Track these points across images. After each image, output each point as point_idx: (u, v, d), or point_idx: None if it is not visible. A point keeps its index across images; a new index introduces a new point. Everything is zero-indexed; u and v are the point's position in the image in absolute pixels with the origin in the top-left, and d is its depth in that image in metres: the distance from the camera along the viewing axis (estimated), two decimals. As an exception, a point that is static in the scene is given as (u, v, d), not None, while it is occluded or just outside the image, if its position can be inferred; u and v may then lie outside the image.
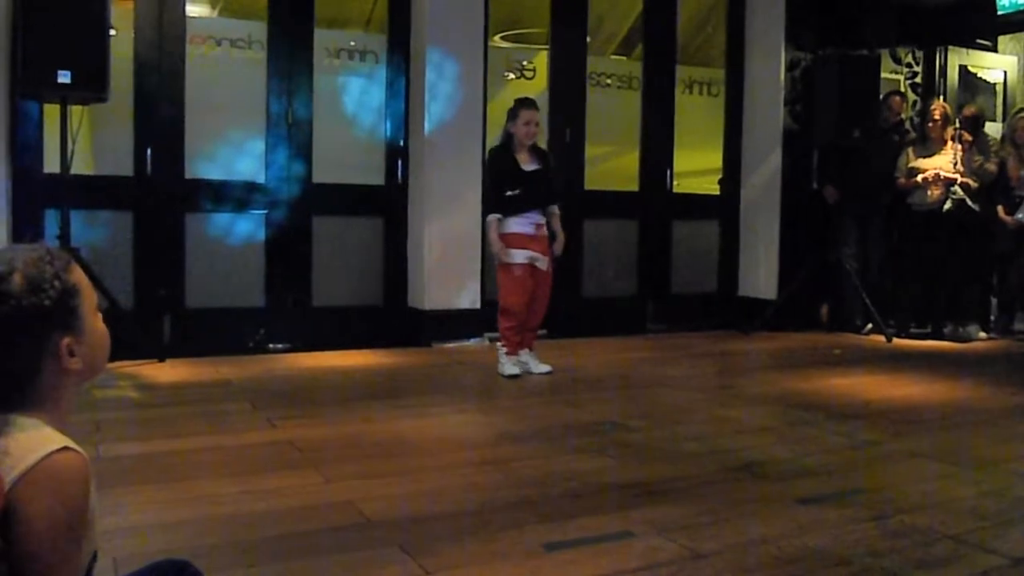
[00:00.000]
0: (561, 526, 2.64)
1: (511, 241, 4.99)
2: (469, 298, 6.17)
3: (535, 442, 3.64)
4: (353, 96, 6.20)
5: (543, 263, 5.04)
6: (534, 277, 5.02)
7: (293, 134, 5.90)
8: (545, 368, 5.13)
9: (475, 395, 4.89)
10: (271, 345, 5.80)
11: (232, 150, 5.85)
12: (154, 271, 5.58)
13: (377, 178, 6.23)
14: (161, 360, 5.17)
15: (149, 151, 5.53)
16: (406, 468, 3.24)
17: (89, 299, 1.35)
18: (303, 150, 5.94)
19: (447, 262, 6.11)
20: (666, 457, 3.33)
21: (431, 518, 2.71)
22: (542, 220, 5.09)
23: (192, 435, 3.68)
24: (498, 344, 5.14)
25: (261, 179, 5.88)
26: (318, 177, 5.99)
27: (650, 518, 2.71)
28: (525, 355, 5.14)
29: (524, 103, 5.10)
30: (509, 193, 4.99)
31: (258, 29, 5.84)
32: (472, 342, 6.12)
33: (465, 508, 2.80)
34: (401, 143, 6.23)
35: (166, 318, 5.60)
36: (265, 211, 5.89)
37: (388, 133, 6.24)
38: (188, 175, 5.67)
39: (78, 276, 1.33)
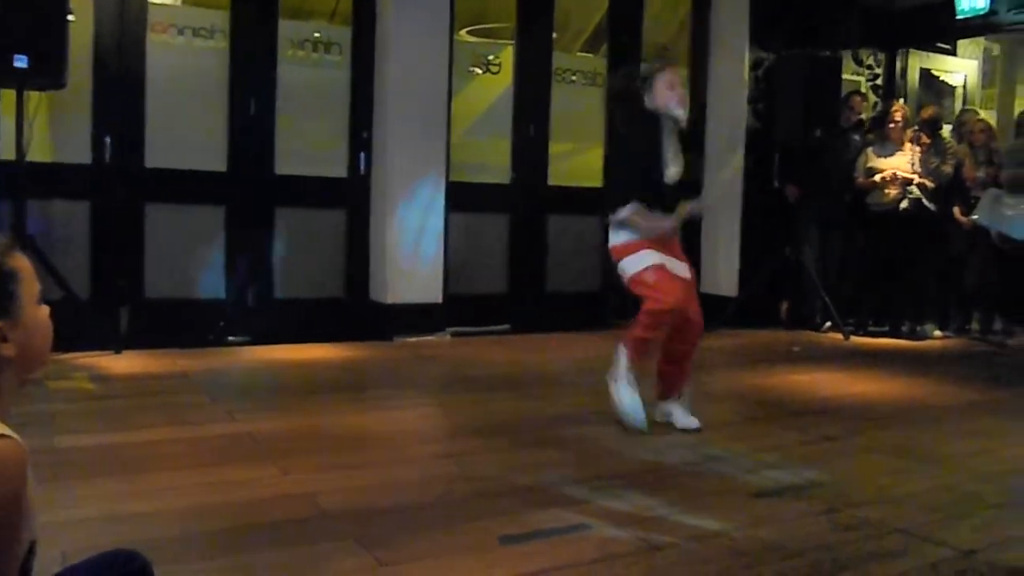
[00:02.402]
0: (518, 519, 2.64)
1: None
2: (432, 292, 6.15)
3: (494, 436, 3.64)
4: (317, 88, 6.15)
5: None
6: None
7: (255, 125, 5.85)
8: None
9: (436, 389, 4.87)
10: (231, 337, 5.74)
11: (193, 140, 5.77)
12: (112, 261, 5.50)
13: (340, 170, 6.19)
14: (118, 351, 5.10)
15: (108, 139, 5.45)
16: (364, 461, 3.22)
17: (30, 287, 1.33)
18: (265, 141, 5.89)
19: (410, 255, 6.09)
20: (624, 451, 3.34)
21: (388, 511, 2.70)
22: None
23: (148, 427, 3.63)
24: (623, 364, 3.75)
25: (223, 169, 5.81)
26: (280, 168, 5.94)
27: (607, 511, 2.73)
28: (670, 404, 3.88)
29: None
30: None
31: (221, 18, 5.77)
32: (434, 336, 6.11)
33: (423, 501, 2.80)
34: (365, 135, 6.20)
35: (124, 309, 5.52)
36: (226, 202, 5.82)
37: (352, 125, 6.20)
38: (148, 164, 5.59)
39: (19, 262, 1.32)
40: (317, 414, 3.93)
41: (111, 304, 5.46)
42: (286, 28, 5.98)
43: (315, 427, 3.70)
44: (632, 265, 3.71)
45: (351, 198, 6.19)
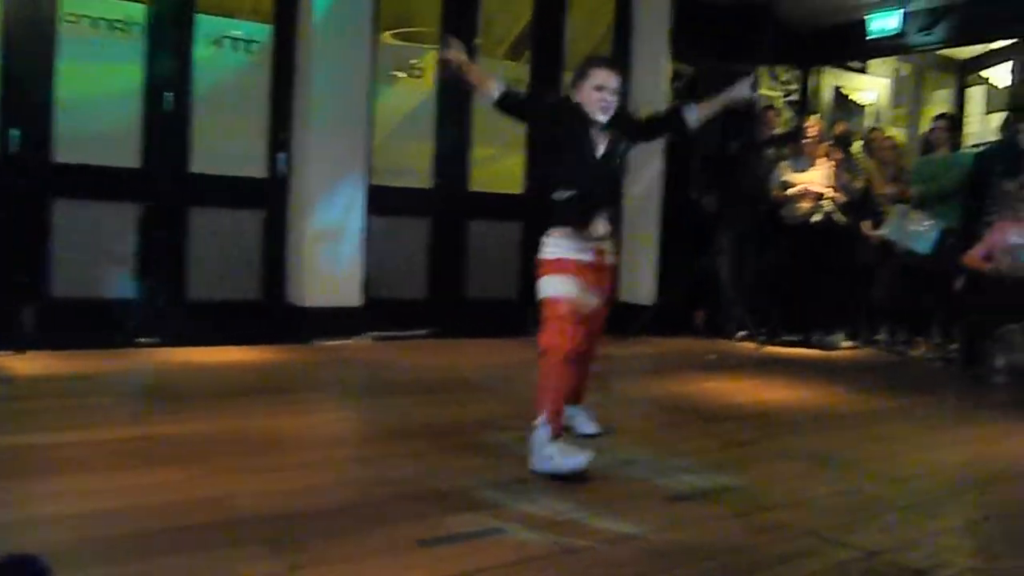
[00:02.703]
0: (435, 522, 2.62)
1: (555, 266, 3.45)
2: (351, 296, 6.09)
3: (412, 440, 3.61)
4: (236, 86, 6.03)
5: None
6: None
7: (171, 122, 5.70)
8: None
9: (354, 393, 4.82)
10: (141, 339, 5.58)
11: (105, 135, 5.60)
12: (16, 258, 5.30)
13: (258, 170, 6.07)
14: (22, 352, 4.92)
15: (15, 133, 5.26)
16: (278, 465, 3.16)
17: None
18: (181, 138, 5.74)
19: (329, 258, 6.01)
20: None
21: (302, 514, 2.66)
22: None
23: (52, 430, 3.50)
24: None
25: (136, 166, 5.65)
26: (196, 167, 5.81)
27: (523, 515, 2.73)
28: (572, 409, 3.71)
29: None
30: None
31: (137, 11, 5.62)
32: (353, 340, 6.04)
33: (338, 505, 2.76)
34: (284, 136, 6.10)
35: (28, 308, 5.32)
36: (139, 199, 5.66)
37: (271, 125, 6.10)
38: (57, 159, 5.41)
39: None
40: (230, 417, 3.84)
41: (14, 303, 5.26)
42: (205, 23, 5.85)
43: (228, 430, 3.61)
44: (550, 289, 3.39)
45: (269, 199, 6.08)
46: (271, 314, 6.05)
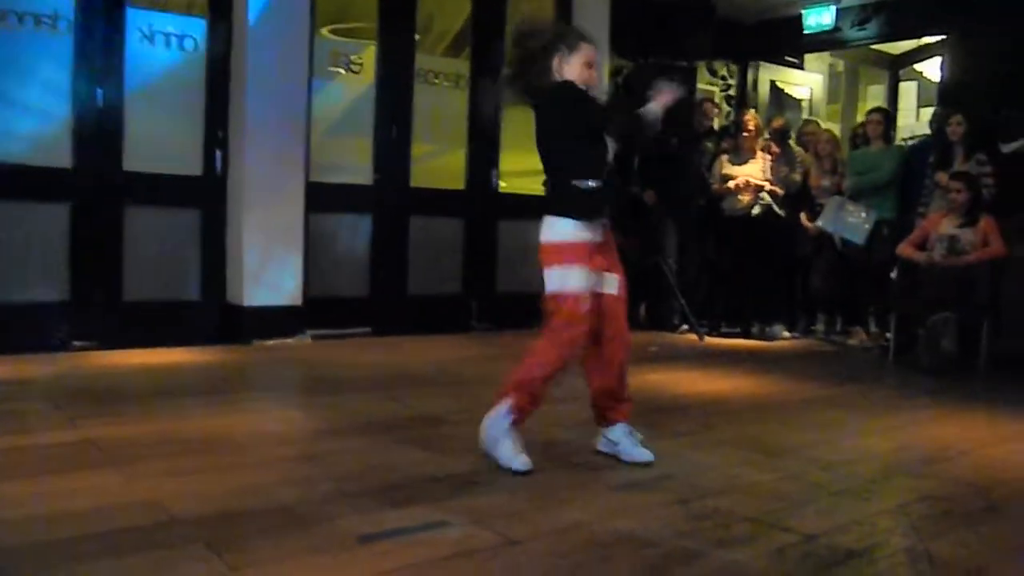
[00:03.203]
0: (377, 518, 2.60)
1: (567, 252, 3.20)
2: (291, 294, 6.03)
3: (355, 437, 3.59)
4: (170, 82, 5.92)
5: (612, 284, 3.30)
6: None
7: (103, 119, 5.58)
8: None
9: (295, 392, 4.77)
10: (76, 342, 5.46)
11: (34, 134, 5.47)
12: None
13: (195, 168, 5.98)
14: (-51, 357, 4.79)
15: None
16: (217, 465, 3.11)
17: None
18: (114, 136, 5.63)
19: (268, 257, 5.94)
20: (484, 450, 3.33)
21: (241, 514, 2.62)
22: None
23: (-19, 435, 3.41)
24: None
25: (67, 165, 5.52)
26: (130, 165, 5.69)
27: (467, 508, 2.72)
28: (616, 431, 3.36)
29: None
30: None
31: (65, 5, 5.49)
32: (294, 339, 5.98)
33: (278, 503, 2.72)
34: (220, 133, 6.01)
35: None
36: (71, 199, 5.53)
37: (207, 122, 6.00)
38: (-17, 159, 5.27)
39: None
40: (167, 419, 3.77)
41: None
42: (137, 16, 5.74)
43: (164, 432, 3.55)
44: (554, 281, 3.17)
45: (206, 197, 6.00)
46: (210, 314, 5.97)
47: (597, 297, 3.22)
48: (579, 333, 3.16)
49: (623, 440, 3.33)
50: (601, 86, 7.41)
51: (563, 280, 3.15)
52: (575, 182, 3.18)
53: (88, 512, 2.60)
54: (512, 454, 3.09)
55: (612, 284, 3.27)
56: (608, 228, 3.29)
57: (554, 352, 3.16)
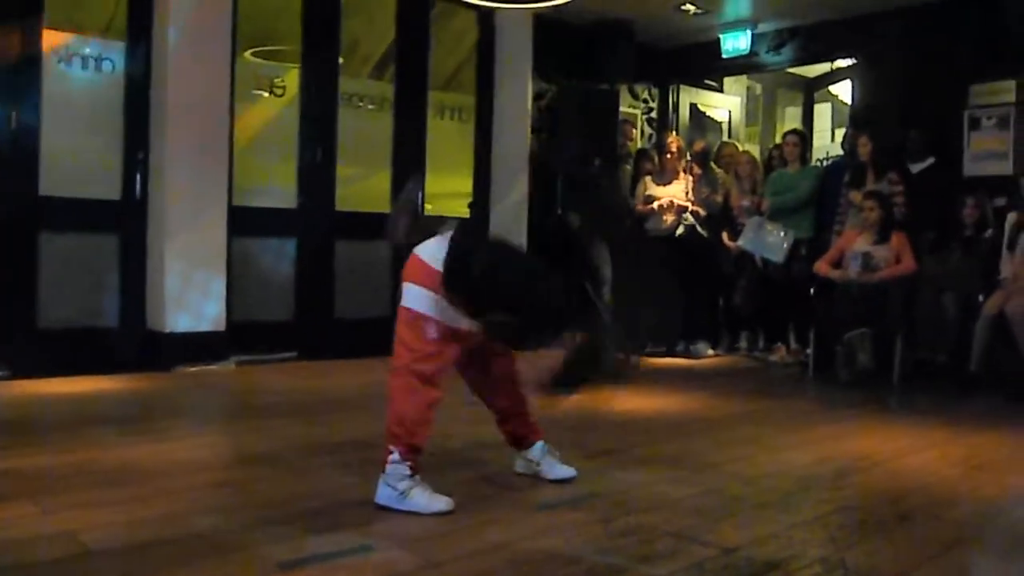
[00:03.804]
0: (298, 544, 2.58)
1: None
2: (213, 319, 5.93)
3: (276, 462, 3.54)
4: (87, 105, 5.81)
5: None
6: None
7: (17, 142, 5.45)
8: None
9: (217, 418, 4.70)
10: (-11, 372, 5.30)
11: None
12: None
13: (113, 193, 5.86)
14: None
15: None
16: (134, 495, 3.05)
17: None
18: (28, 161, 5.49)
19: (190, 282, 5.84)
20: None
21: (159, 543, 2.56)
22: None
23: None
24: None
25: (-22, 190, 5.38)
26: (45, 190, 5.56)
27: (390, 532, 2.71)
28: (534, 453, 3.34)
29: None
30: None
31: (-24, 28, 5.37)
32: (217, 365, 5.88)
33: (196, 531, 2.67)
34: (141, 156, 5.91)
35: None
36: (-18, 226, 5.39)
37: (126, 145, 5.89)
38: None
39: None
40: (84, 449, 3.68)
41: None
42: (53, 39, 5.63)
43: (81, 462, 3.46)
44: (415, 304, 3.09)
45: (125, 222, 5.88)
46: (130, 341, 5.84)
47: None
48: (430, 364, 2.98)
49: (543, 459, 3.31)
50: (524, 111, 7.51)
51: (418, 302, 3.01)
52: None
53: (2, 545, 2.53)
54: (428, 500, 2.90)
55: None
56: None
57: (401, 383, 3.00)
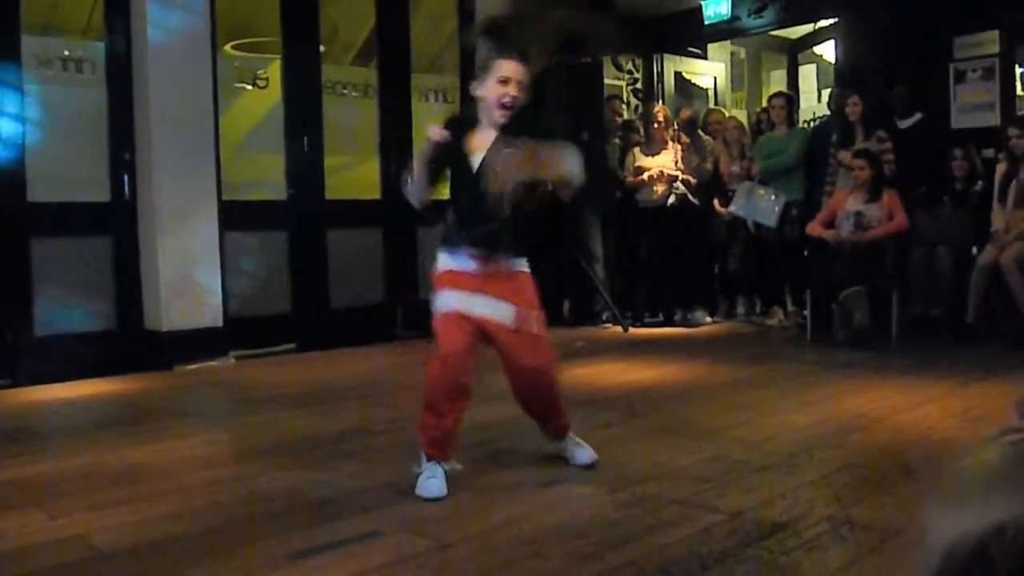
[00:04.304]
0: (308, 534, 2.60)
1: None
2: (211, 316, 5.93)
3: (282, 455, 3.56)
4: (71, 108, 5.79)
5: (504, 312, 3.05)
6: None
7: (2, 149, 5.42)
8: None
9: (220, 415, 4.70)
10: (-10, 381, 5.30)
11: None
12: None
13: (102, 194, 5.85)
14: None
15: None
16: (142, 495, 3.06)
17: None
18: (15, 166, 5.47)
19: (185, 280, 5.84)
20: (413, 458, 3.33)
21: (169, 542, 2.58)
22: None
23: None
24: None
25: (-34, 201, 5.36)
26: (34, 195, 5.54)
27: (398, 517, 2.73)
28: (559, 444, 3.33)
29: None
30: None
31: (-47, 36, 5.34)
32: (217, 362, 5.89)
33: (206, 527, 2.70)
34: (127, 157, 5.89)
35: None
36: (-27, 235, 5.38)
37: (112, 147, 5.87)
38: None
39: None
40: (88, 453, 3.69)
41: None
42: (32, 44, 5.59)
43: (86, 466, 3.47)
44: (435, 306, 3.09)
45: (116, 223, 5.87)
46: (129, 342, 5.84)
47: (479, 321, 3.02)
48: (447, 354, 2.97)
49: (567, 446, 3.28)
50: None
51: (435, 305, 3.07)
52: (447, 215, 3.15)
53: (13, 553, 2.54)
54: (423, 479, 2.94)
55: (501, 311, 3.03)
56: (500, 262, 3.08)
57: (427, 379, 3.02)
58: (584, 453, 3.26)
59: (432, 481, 2.93)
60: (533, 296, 3.13)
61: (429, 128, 3.03)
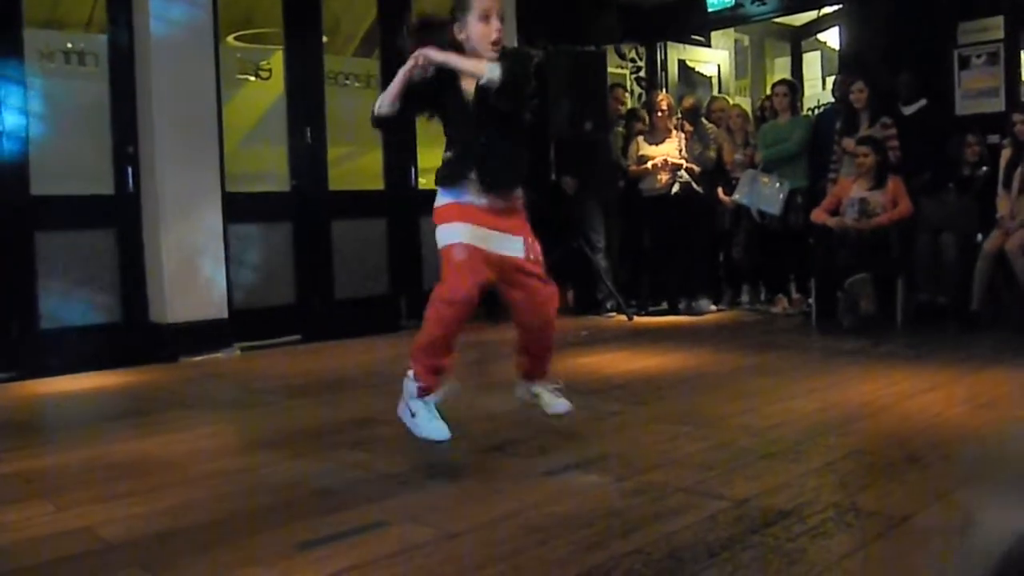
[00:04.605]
0: (314, 524, 2.60)
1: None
2: (215, 308, 5.94)
3: (288, 446, 3.56)
4: (74, 101, 5.78)
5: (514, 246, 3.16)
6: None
7: (5, 143, 5.43)
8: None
9: (226, 406, 4.71)
10: (-5, 375, 5.31)
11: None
12: None
13: (106, 187, 5.85)
14: None
15: None
16: (148, 487, 3.06)
17: None
18: (18, 160, 5.48)
19: (189, 271, 5.85)
20: (419, 447, 3.33)
21: (175, 533, 2.59)
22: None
23: (-99, 477, 3.31)
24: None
25: (-31, 194, 5.37)
26: (37, 189, 5.55)
27: (404, 506, 2.73)
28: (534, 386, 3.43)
29: None
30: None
31: (-44, 30, 5.33)
32: (222, 353, 5.90)
33: (212, 519, 2.70)
34: (131, 149, 5.89)
35: None
36: (-25, 228, 5.38)
37: (115, 139, 5.87)
38: None
39: None
40: (94, 445, 3.69)
41: None
42: (35, 37, 5.59)
43: (91, 458, 3.48)
44: (441, 237, 3.10)
45: (120, 216, 5.87)
46: (133, 335, 5.85)
47: (498, 260, 3.09)
48: (459, 300, 2.96)
49: (543, 392, 3.39)
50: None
51: (441, 236, 3.09)
52: (444, 155, 3.19)
53: (20, 544, 2.55)
54: (426, 426, 2.99)
55: (514, 246, 3.13)
56: (508, 197, 3.15)
57: (431, 312, 3.00)
58: (561, 403, 3.36)
59: (435, 423, 2.98)
60: (529, 225, 3.24)
61: (427, 50, 3.00)
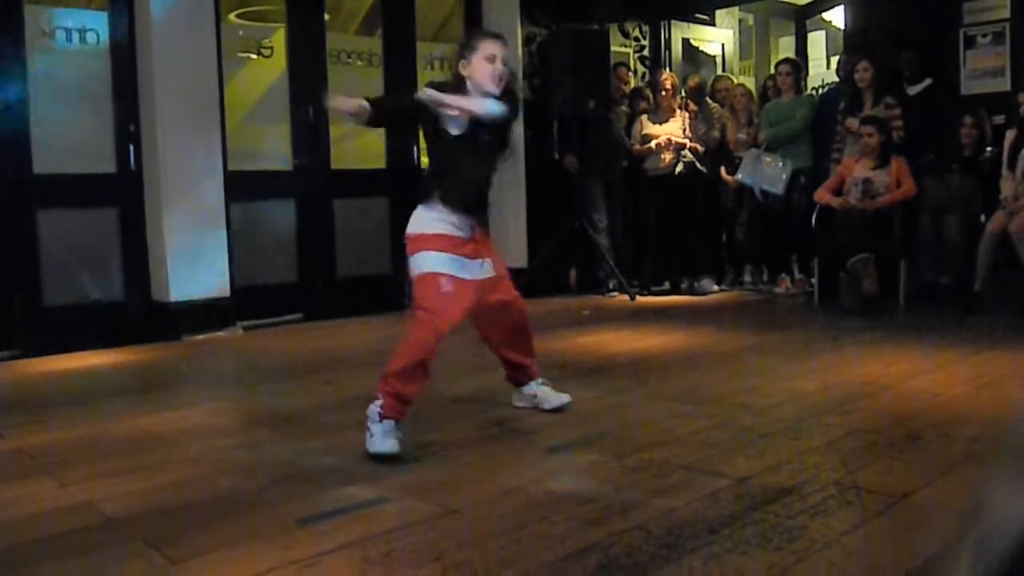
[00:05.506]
0: (315, 500, 2.61)
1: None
2: (218, 286, 5.94)
3: (290, 423, 3.58)
4: (75, 78, 5.76)
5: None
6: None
7: (7, 121, 5.41)
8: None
9: (228, 384, 4.72)
10: (-2, 352, 5.32)
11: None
12: None
13: (108, 166, 5.84)
14: None
15: None
16: (151, 463, 3.08)
17: None
18: (19, 138, 5.47)
19: (191, 250, 5.84)
20: (422, 423, 3.34)
21: (178, 508, 2.60)
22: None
23: (-97, 453, 3.32)
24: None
25: (-29, 172, 5.36)
26: (40, 167, 5.54)
27: (404, 483, 2.74)
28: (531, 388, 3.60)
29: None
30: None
31: (-42, 8, 5.31)
32: (225, 332, 5.90)
33: (214, 494, 2.71)
34: (132, 128, 5.87)
35: None
36: (-21, 206, 5.38)
37: (117, 118, 5.86)
38: None
39: None
40: (97, 422, 3.71)
41: None
42: (36, 14, 5.56)
43: (95, 435, 3.49)
44: (418, 264, 3.21)
45: (122, 194, 5.86)
46: (136, 313, 5.86)
47: (477, 286, 3.26)
48: (444, 329, 3.10)
49: (539, 390, 3.56)
50: (513, 57, 7.42)
51: (419, 263, 3.20)
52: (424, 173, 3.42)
53: (24, 520, 2.57)
54: (379, 438, 3.00)
55: (484, 269, 3.30)
56: (477, 217, 3.32)
57: (418, 335, 3.12)
58: (559, 397, 3.54)
59: (390, 439, 3.00)
60: (492, 243, 3.48)
61: (433, 93, 3.14)
